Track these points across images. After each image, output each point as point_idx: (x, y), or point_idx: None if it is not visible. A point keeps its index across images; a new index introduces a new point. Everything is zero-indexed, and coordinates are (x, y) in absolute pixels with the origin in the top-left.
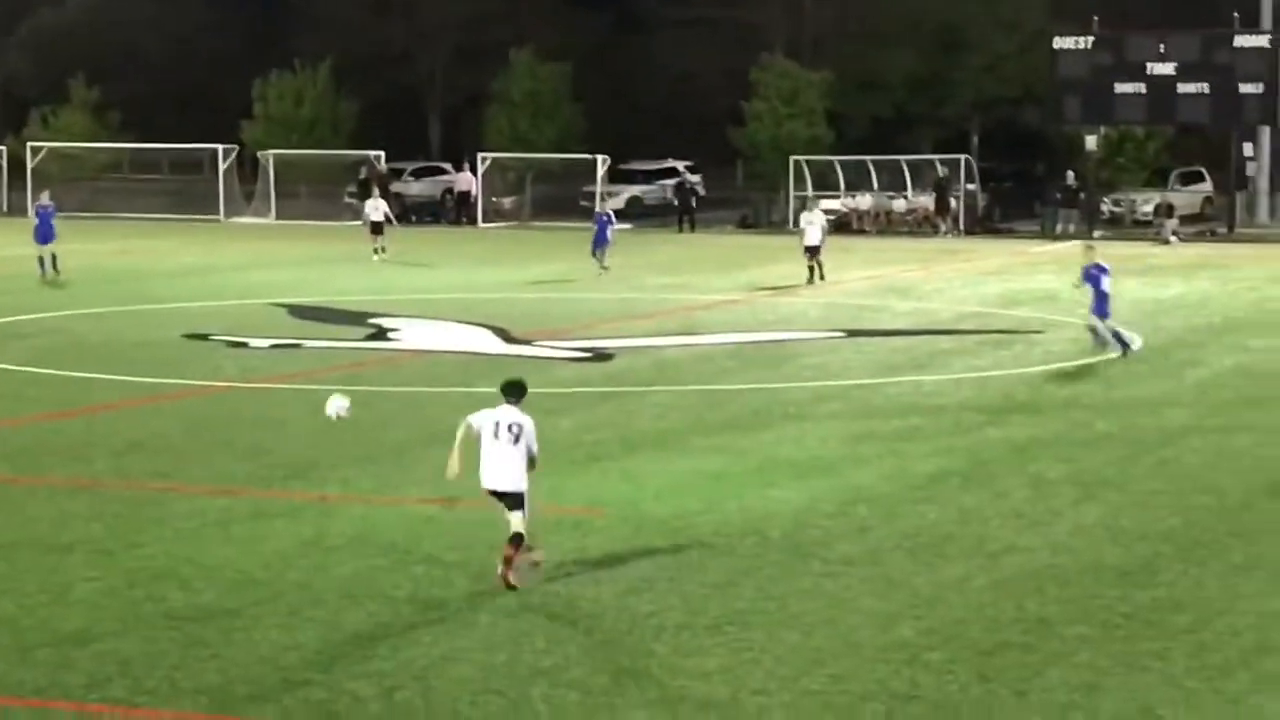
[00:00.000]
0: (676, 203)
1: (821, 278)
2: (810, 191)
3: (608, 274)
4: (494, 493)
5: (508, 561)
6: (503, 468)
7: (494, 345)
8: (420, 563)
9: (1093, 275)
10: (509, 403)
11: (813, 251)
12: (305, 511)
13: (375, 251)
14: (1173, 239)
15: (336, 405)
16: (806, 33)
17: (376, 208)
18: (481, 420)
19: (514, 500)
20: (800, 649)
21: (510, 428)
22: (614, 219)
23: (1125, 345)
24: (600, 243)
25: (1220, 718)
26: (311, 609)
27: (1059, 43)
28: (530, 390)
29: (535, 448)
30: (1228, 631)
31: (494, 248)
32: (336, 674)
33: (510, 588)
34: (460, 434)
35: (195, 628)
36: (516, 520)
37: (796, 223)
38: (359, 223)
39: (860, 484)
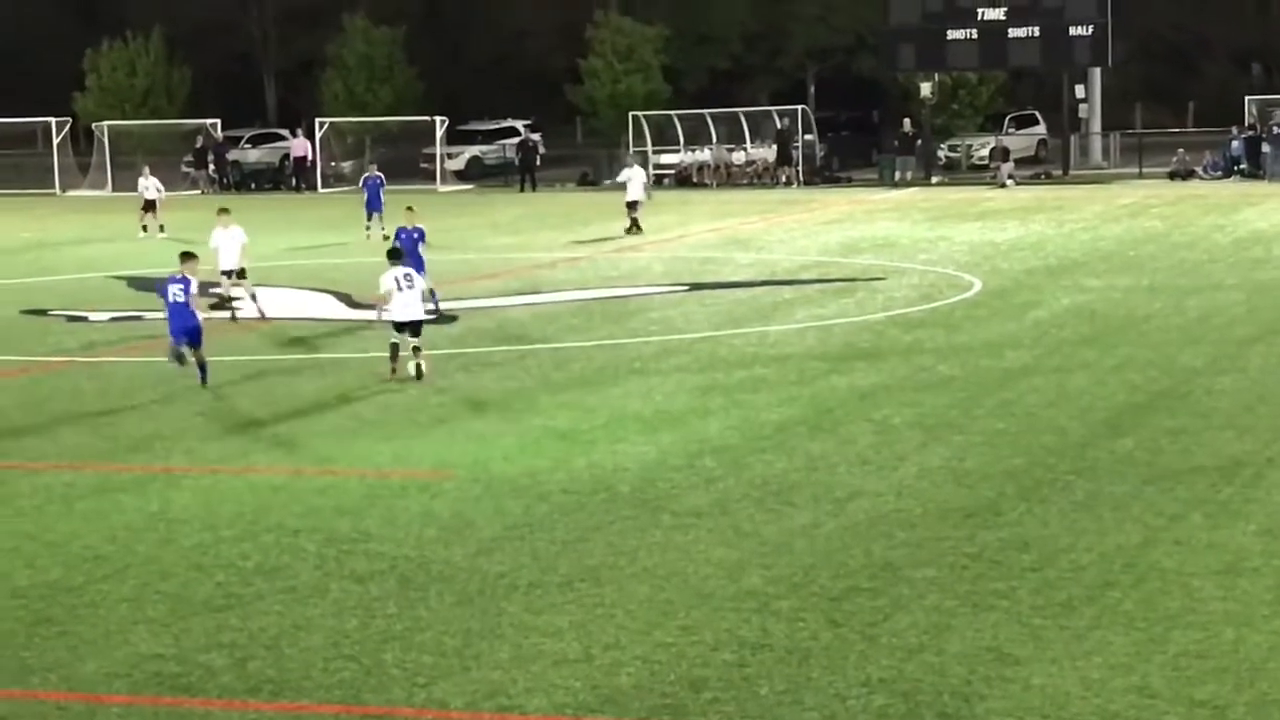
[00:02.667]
0: (519, 162)
1: (639, 230)
2: (649, 147)
3: (372, 240)
4: (406, 323)
5: (419, 366)
6: (408, 305)
7: (338, 310)
8: (269, 531)
9: (402, 239)
10: (397, 264)
11: (632, 206)
12: (151, 484)
13: (144, 229)
14: (1009, 182)
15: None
16: None
17: (148, 186)
18: (389, 281)
19: (417, 327)
20: (651, 602)
21: (406, 277)
22: (385, 181)
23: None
24: (373, 206)
25: (1066, 652)
26: (160, 582)
27: None
28: (376, 354)
29: (426, 284)
30: (1071, 568)
31: (334, 213)
32: (187, 647)
33: (420, 376)
34: (383, 292)
35: (42, 605)
36: (418, 341)
37: None
38: (197, 192)
39: (707, 436)
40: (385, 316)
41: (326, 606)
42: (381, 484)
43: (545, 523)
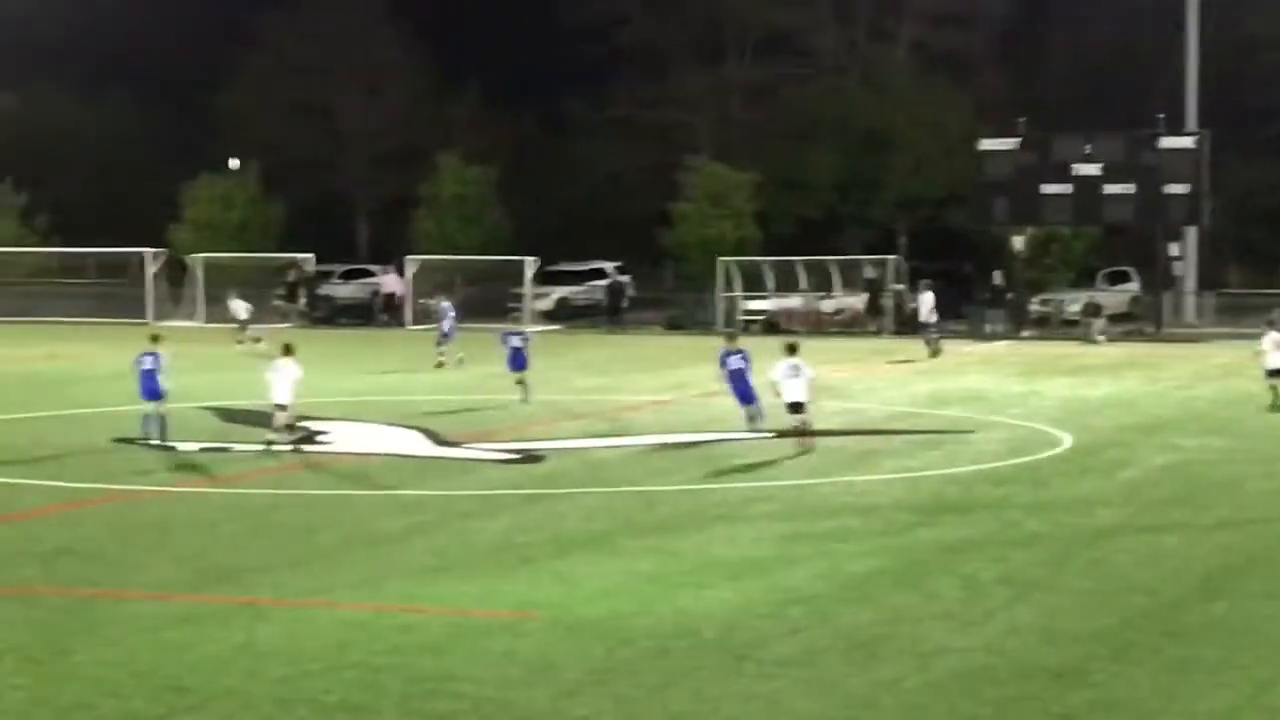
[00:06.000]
0: (607, 304)
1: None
2: (739, 292)
3: (446, 369)
4: None
5: None
6: None
7: (423, 447)
8: (352, 668)
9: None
10: None
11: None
12: (236, 616)
13: (239, 342)
14: (1100, 339)
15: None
16: (733, 134)
17: (242, 307)
18: None
19: None
20: None
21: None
22: (452, 310)
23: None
24: (446, 335)
25: None
26: (243, 715)
27: (985, 144)
28: (461, 493)
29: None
30: None
31: (422, 350)
32: None
33: None
34: None
35: None
36: None
37: (726, 323)
38: (288, 325)
39: (793, 584)
40: None
41: None
42: (465, 623)
43: (629, 667)
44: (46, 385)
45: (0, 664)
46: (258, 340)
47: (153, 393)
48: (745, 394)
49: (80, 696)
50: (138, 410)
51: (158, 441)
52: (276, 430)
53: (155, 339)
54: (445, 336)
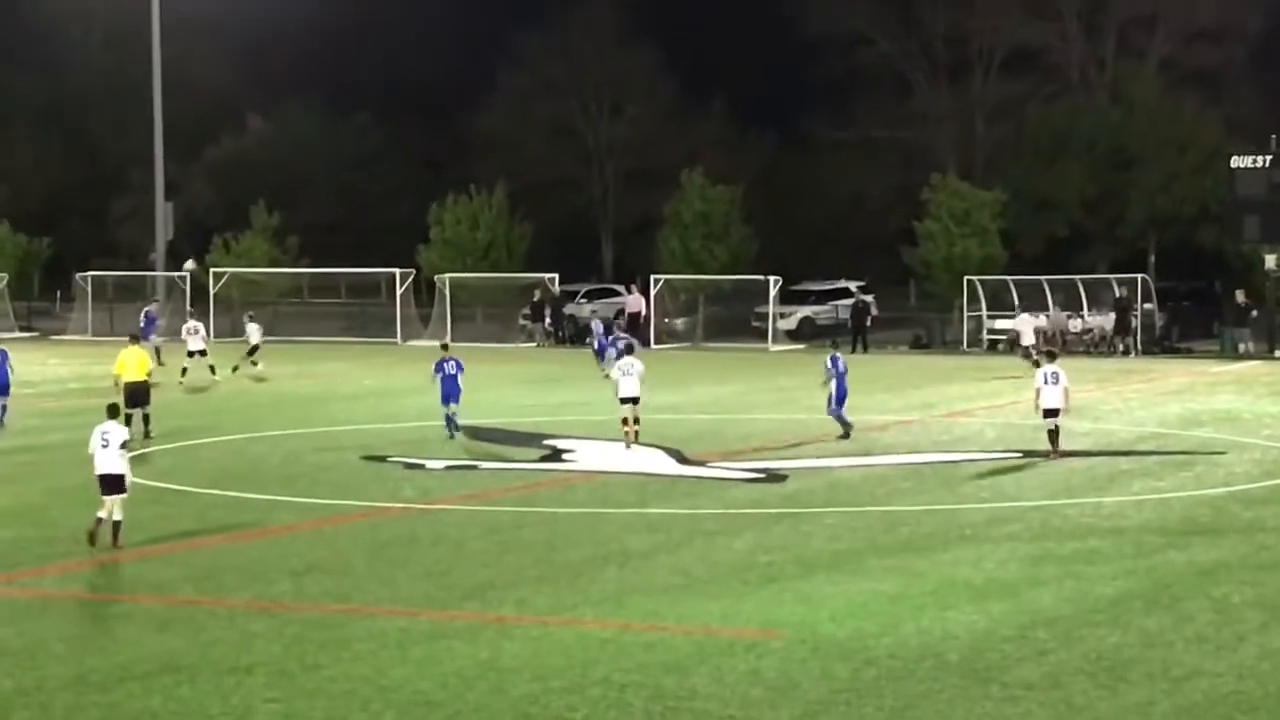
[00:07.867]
0: (851, 323)
1: None
2: (984, 311)
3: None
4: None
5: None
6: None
7: (668, 466)
8: (596, 685)
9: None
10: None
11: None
12: (482, 632)
13: (254, 363)
14: None
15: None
16: (978, 152)
17: (255, 330)
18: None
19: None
20: None
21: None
22: (602, 329)
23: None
24: (601, 351)
25: None
26: None
27: (1236, 161)
28: (705, 511)
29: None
30: None
31: (667, 369)
32: None
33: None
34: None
35: None
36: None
37: (972, 343)
38: (533, 344)
39: (1039, 606)
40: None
41: None
42: (709, 641)
43: (872, 688)
44: (298, 404)
45: (252, 677)
46: (256, 364)
47: (454, 396)
48: (843, 397)
49: (330, 711)
50: (387, 428)
51: (455, 438)
52: (630, 423)
53: (445, 348)
54: (599, 354)
